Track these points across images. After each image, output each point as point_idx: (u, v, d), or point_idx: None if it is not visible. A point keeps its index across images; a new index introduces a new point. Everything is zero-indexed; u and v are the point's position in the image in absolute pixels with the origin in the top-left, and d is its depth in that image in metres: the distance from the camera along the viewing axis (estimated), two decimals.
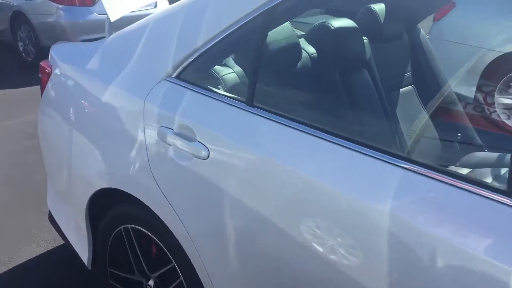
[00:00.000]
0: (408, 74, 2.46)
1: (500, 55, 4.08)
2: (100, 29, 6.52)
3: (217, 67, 1.70)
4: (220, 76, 1.67)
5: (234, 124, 1.43)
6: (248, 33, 1.51)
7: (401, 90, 2.39)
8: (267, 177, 1.33)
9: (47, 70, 2.18)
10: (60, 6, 6.52)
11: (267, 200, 1.32)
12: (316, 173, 1.24)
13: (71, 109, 1.98)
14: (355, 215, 1.15)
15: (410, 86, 2.45)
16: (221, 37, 1.53)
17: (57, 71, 2.11)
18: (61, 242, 2.61)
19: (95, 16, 6.53)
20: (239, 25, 1.49)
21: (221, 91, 1.54)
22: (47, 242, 2.82)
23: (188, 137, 1.51)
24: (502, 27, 4.29)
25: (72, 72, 2.03)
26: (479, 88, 3.88)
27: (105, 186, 1.82)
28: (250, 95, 1.44)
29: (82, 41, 6.78)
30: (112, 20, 2.00)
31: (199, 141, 1.47)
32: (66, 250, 2.49)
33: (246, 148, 1.37)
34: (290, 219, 1.28)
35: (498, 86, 4.15)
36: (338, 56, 2.00)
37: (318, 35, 2.02)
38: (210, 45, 1.55)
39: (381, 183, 1.13)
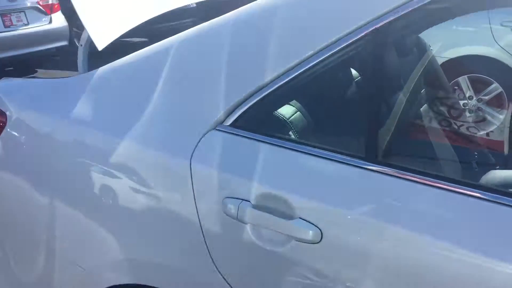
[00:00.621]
0: (423, 91, 2.20)
1: (444, 61, 4.04)
2: None
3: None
4: (287, 119, 1.24)
5: (358, 191, 1.02)
6: (350, 59, 1.12)
7: (421, 110, 2.12)
8: (430, 265, 0.93)
9: None
10: None
11: None
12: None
13: (51, 173, 1.42)
14: None
15: (426, 105, 2.19)
16: (304, 68, 1.11)
17: (16, 121, 1.52)
18: None
19: None
20: (338, 48, 1.08)
21: (318, 144, 1.11)
22: None
23: (278, 212, 1.07)
24: (442, 33, 4.27)
25: (46, 123, 1.46)
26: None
27: (125, 281, 1.29)
28: (371, 147, 1.04)
29: None
30: (100, 49, 1.48)
31: (301, 218, 1.04)
32: None
33: (387, 226, 0.97)
34: None
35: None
36: (386, 77, 1.65)
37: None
38: (286, 80, 1.13)
39: None
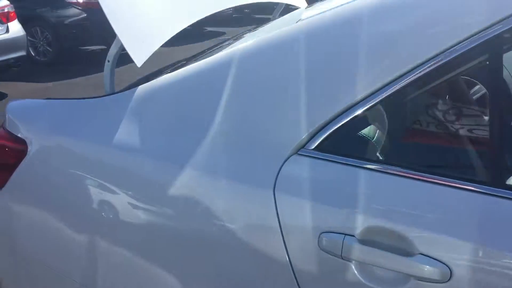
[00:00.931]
0: None
1: None
2: None
3: None
4: (371, 138, 1.12)
5: (492, 221, 0.90)
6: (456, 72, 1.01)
7: None
8: None
9: (12, 146, 1.38)
10: None
11: None
12: None
13: (90, 208, 1.24)
14: None
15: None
16: (402, 84, 0.99)
17: (40, 149, 1.33)
18: None
19: None
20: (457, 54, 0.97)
21: (424, 167, 0.99)
22: None
23: (392, 248, 0.94)
24: None
25: (81, 150, 1.28)
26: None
27: None
28: (495, 169, 0.93)
29: None
30: (139, 65, 1.30)
31: (423, 254, 0.91)
32: None
33: None
34: None
35: None
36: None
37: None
38: (382, 97, 1.00)
39: None
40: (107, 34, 7.72)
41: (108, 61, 1.39)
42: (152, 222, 1.15)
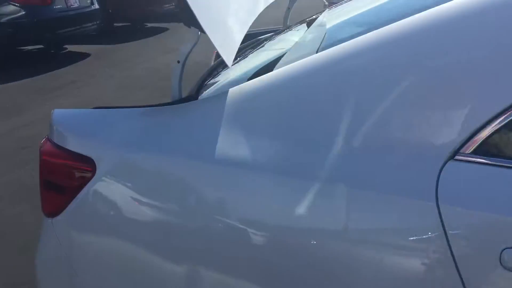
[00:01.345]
0: None
1: None
2: None
3: None
4: None
5: None
6: None
7: None
8: None
9: (75, 166, 1.16)
10: None
11: None
12: None
13: (187, 243, 1.06)
14: None
15: None
16: None
17: (114, 168, 1.13)
18: None
19: None
20: None
21: None
22: None
23: None
24: None
25: (172, 168, 1.09)
26: None
27: None
28: None
29: None
30: (230, 66, 1.13)
31: None
32: None
33: None
34: None
35: None
36: None
37: None
38: None
39: None
40: (48, 33, 7.26)
41: (179, 62, 1.20)
42: (278, 250, 0.99)
